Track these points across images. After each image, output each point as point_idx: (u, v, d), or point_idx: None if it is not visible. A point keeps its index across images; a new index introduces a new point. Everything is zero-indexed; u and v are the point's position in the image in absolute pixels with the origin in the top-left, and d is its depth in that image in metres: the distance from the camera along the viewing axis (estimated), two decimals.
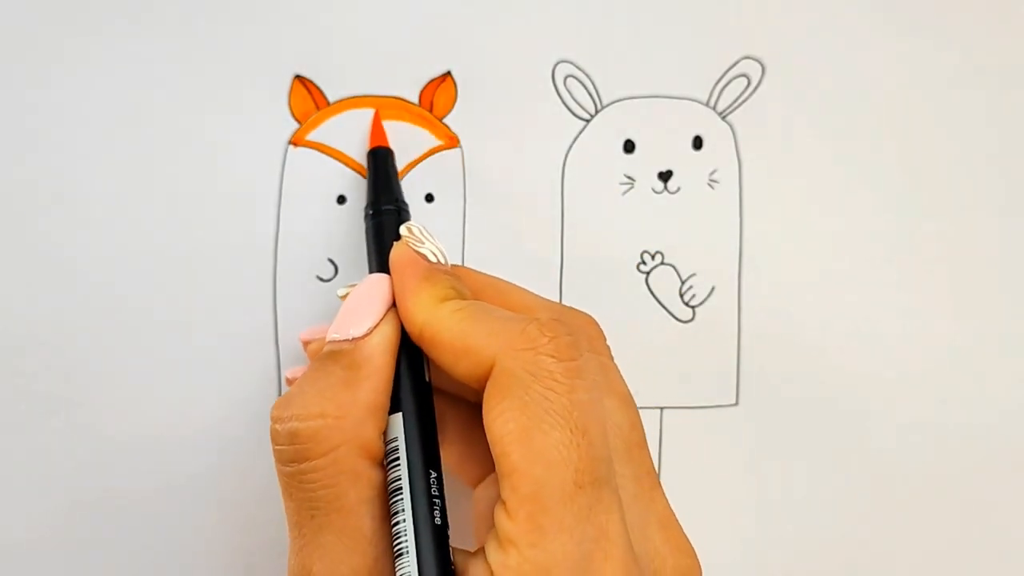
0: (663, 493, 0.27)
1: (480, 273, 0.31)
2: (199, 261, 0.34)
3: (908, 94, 0.36)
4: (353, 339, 0.27)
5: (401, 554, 0.25)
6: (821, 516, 0.37)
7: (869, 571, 0.37)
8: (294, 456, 0.26)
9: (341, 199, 0.34)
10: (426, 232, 0.29)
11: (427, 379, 0.28)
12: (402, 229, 0.30)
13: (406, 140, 0.34)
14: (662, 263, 0.36)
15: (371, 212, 0.32)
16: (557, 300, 0.35)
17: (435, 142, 0.35)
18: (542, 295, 0.31)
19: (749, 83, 0.35)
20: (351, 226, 0.34)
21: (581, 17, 0.35)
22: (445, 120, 0.35)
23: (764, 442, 0.36)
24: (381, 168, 0.33)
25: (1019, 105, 0.36)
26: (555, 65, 0.35)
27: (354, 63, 0.34)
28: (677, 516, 0.27)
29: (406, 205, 0.32)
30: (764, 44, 0.35)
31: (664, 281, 0.36)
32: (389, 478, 0.26)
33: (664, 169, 0.35)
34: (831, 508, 0.36)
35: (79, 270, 0.34)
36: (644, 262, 0.36)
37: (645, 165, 0.35)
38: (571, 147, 0.35)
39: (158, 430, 0.34)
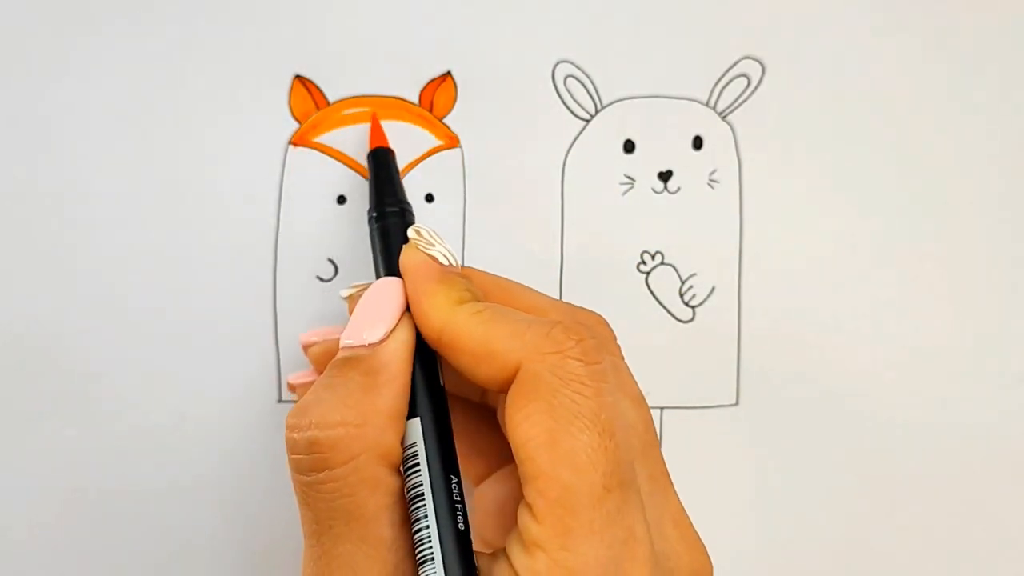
0: (675, 491, 0.27)
1: (488, 274, 0.30)
2: (199, 261, 0.34)
3: (908, 94, 0.36)
4: (369, 344, 0.27)
5: (425, 561, 0.25)
6: (821, 516, 0.37)
7: (869, 571, 0.37)
8: (313, 465, 0.25)
9: (341, 199, 0.34)
10: (435, 234, 0.29)
11: (441, 383, 0.28)
12: (410, 232, 0.29)
13: (406, 140, 0.34)
14: (662, 263, 0.36)
15: (375, 215, 0.31)
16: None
17: (435, 142, 0.35)
18: (544, 293, 0.31)
19: (749, 83, 0.35)
20: (351, 226, 0.34)
21: (581, 17, 0.35)
22: (445, 120, 0.35)
23: (764, 442, 0.36)
24: (383, 169, 0.33)
25: (1019, 105, 0.36)
26: (555, 65, 0.35)
27: (354, 63, 0.34)
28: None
29: (410, 206, 0.32)
30: (764, 44, 0.35)
31: (664, 281, 0.36)
32: (408, 484, 0.26)
33: (664, 169, 0.35)
34: (831, 508, 0.36)
35: (79, 270, 0.34)
36: (644, 262, 0.36)
37: (645, 165, 0.35)
38: (571, 147, 0.35)
39: (158, 430, 0.34)
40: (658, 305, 0.36)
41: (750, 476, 0.36)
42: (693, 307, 0.36)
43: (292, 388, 0.33)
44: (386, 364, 0.27)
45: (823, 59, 0.35)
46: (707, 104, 0.35)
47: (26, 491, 0.34)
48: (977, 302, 0.36)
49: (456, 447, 0.31)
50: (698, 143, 0.35)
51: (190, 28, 0.33)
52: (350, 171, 0.34)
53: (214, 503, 0.35)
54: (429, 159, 0.35)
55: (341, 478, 0.25)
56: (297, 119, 0.34)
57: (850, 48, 0.35)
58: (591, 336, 0.25)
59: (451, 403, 0.30)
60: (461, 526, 0.25)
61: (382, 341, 0.27)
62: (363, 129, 0.34)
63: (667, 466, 0.27)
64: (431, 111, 0.35)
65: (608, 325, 0.29)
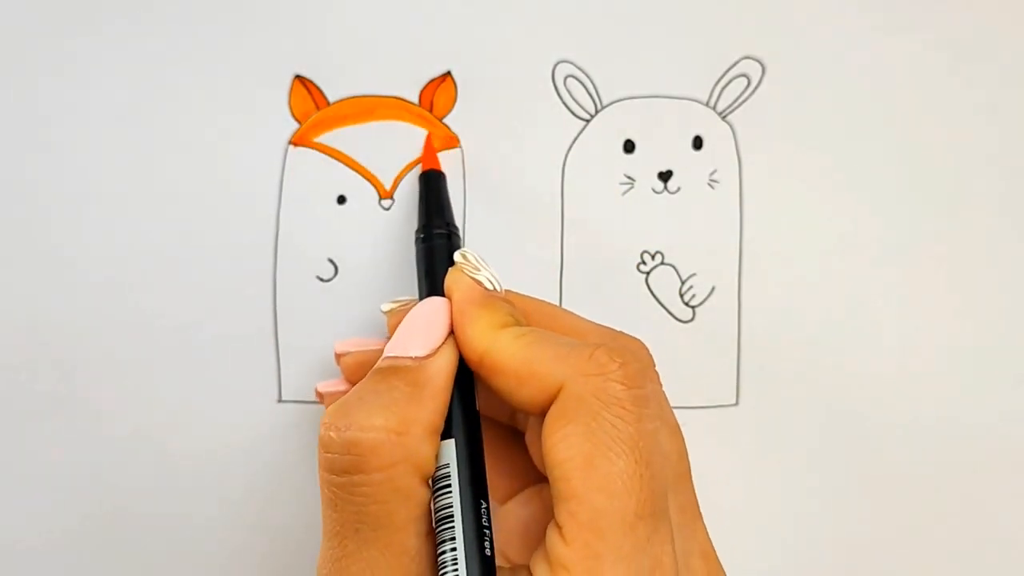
0: (704, 524, 0.27)
1: (530, 298, 0.30)
2: (199, 261, 0.34)
3: (908, 94, 0.36)
4: (415, 358, 0.27)
5: None
6: (821, 516, 0.36)
7: (869, 571, 0.37)
8: (348, 467, 0.25)
9: (341, 199, 0.34)
10: (481, 259, 0.29)
11: (476, 408, 0.28)
12: (457, 256, 0.29)
13: (406, 140, 0.34)
14: (662, 263, 0.36)
15: (422, 236, 0.32)
16: (557, 300, 0.35)
17: (435, 142, 0.35)
18: (585, 317, 0.31)
19: (749, 83, 0.35)
20: (351, 226, 0.34)
21: (581, 17, 0.35)
22: (445, 120, 0.35)
23: (764, 442, 0.36)
24: (433, 191, 0.33)
25: (1019, 105, 0.36)
26: (555, 65, 0.35)
27: (354, 63, 0.34)
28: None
29: (457, 229, 0.32)
30: (764, 44, 0.35)
31: (664, 281, 0.36)
32: (437, 504, 0.26)
33: (664, 169, 0.35)
34: (831, 508, 0.36)
35: (79, 270, 0.34)
36: (644, 262, 0.36)
37: (645, 165, 0.35)
38: (571, 147, 0.35)
39: (158, 430, 0.34)
40: (658, 305, 0.36)
41: (750, 476, 0.36)
42: (693, 307, 0.36)
43: (320, 397, 0.33)
44: (431, 378, 0.27)
45: (823, 59, 0.35)
46: (707, 104, 0.35)
47: (26, 491, 0.34)
48: (978, 302, 0.36)
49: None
50: (698, 143, 0.35)
51: (190, 28, 0.33)
52: (350, 171, 0.34)
53: (215, 503, 0.35)
54: None
55: (376, 484, 0.25)
56: (297, 119, 0.34)
57: (850, 48, 0.35)
58: (635, 360, 0.25)
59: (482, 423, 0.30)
60: (488, 552, 0.25)
61: (428, 356, 0.27)
62: (364, 129, 0.34)
63: (697, 498, 0.27)
64: (431, 111, 0.35)
65: (648, 352, 0.29)
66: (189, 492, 0.34)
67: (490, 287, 0.29)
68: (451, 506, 0.26)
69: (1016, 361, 0.36)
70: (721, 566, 0.27)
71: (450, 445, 0.27)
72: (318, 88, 0.34)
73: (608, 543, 0.24)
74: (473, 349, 0.27)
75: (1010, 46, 0.36)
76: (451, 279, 0.29)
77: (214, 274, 0.34)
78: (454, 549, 0.25)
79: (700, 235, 0.36)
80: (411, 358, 0.27)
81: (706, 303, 0.36)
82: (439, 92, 0.34)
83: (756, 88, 0.35)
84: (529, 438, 0.30)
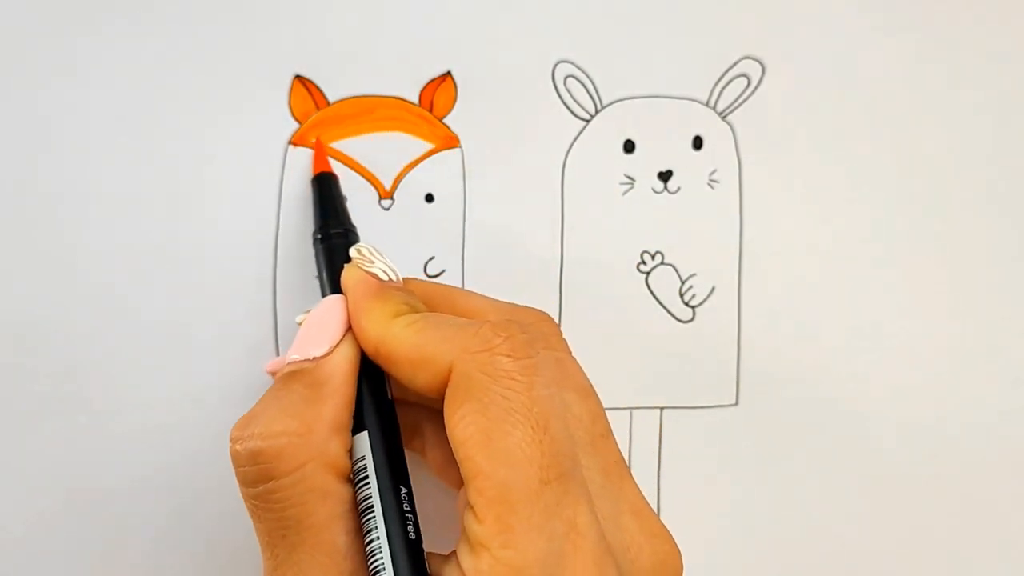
0: (633, 482, 0.27)
1: (430, 283, 0.31)
2: (199, 261, 0.34)
3: (908, 94, 0.36)
4: (314, 359, 0.27)
5: (378, 571, 0.25)
6: (821, 516, 0.37)
7: (868, 571, 0.37)
8: (258, 476, 0.26)
9: None
10: (376, 251, 0.30)
11: (389, 397, 0.28)
12: (352, 251, 0.30)
13: (406, 140, 0.34)
14: (662, 263, 0.36)
15: (319, 237, 0.32)
16: (557, 300, 0.35)
17: (435, 142, 0.35)
18: (487, 295, 0.31)
19: (749, 83, 0.35)
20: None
21: (581, 17, 0.35)
22: (445, 120, 0.35)
23: (764, 442, 0.36)
24: (327, 194, 0.33)
25: (1019, 105, 0.36)
26: (555, 65, 0.35)
27: (354, 63, 0.34)
28: (651, 504, 0.27)
29: (354, 228, 0.32)
30: (764, 44, 0.35)
31: (664, 281, 0.36)
32: (359, 497, 0.26)
33: (664, 169, 0.35)
34: (831, 508, 0.36)
35: (79, 269, 0.34)
36: (644, 262, 0.36)
37: (645, 165, 0.35)
38: (571, 147, 0.35)
39: (158, 430, 0.34)
40: (658, 305, 0.36)
41: (750, 476, 0.36)
42: (693, 307, 0.36)
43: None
44: (329, 376, 0.27)
45: (823, 59, 0.35)
46: (707, 104, 0.35)
47: (25, 490, 0.34)
48: (977, 302, 0.36)
49: (436, 453, 0.31)
50: (698, 143, 0.35)
51: (190, 28, 0.33)
52: (350, 171, 0.34)
53: (215, 502, 0.35)
54: (429, 159, 0.35)
55: (289, 487, 0.25)
56: (297, 119, 0.34)
57: (850, 48, 0.35)
58: (521, 331, 0.26)
59: (426, 414, 0.30)
60: (412, 535, 0.26)
61: (326, 355, 0.27)
62: (363, 129, 0.34)
63: (623, 457, 0.27)
64: (431, 111, 0.35)
65: (553, 321, 0.29)
66: (189, 491, 0.34)
67: (385, 278, 0.29)
68: (371, 496, 0.26)
69: (1015, 361, 0.36)
70: (659, 522, 0.27)
71: (363, 438, 0.27)
72: (318, 88, 0.34)
73: (518, 514, 0.24)
74: (368, 340, 0.28)
75: (1010, 46, 0.36)
76: (346, 275, 0.29)
77: (214, 274, 0.34)
78: (378, 538, 0.26)
79: (700, 235, 0.36)
80: (311, 359, 0.27)
81: (706, 303, 0.36)
82: (439, 92, 0.34)
83: (756, 88, 0.35)
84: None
